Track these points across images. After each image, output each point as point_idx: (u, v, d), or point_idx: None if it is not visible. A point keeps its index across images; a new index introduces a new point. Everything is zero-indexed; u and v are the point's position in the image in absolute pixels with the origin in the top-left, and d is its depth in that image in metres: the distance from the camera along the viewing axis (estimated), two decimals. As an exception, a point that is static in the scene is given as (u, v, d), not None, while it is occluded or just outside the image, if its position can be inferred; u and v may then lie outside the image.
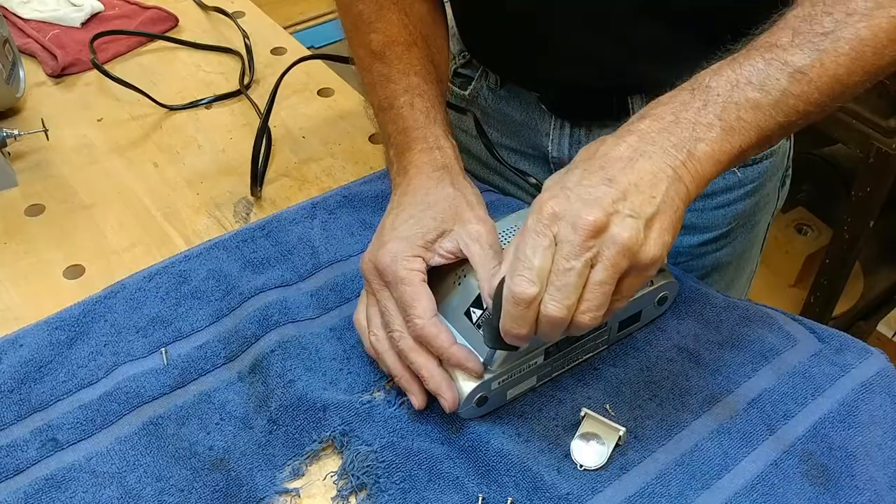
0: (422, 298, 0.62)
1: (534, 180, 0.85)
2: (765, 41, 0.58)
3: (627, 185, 0.53)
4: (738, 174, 0.85)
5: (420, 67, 0.74)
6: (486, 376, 0.62)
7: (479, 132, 0.85)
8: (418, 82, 0.73)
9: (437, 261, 0.65)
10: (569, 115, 0.83)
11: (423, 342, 0.62)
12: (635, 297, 0.67)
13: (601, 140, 0.57)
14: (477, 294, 0.63)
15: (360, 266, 0.67)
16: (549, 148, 0.86)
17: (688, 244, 0.88)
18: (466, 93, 0.90)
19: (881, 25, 0.57)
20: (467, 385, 0.61)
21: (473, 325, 0.63)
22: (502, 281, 0.55)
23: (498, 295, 0.56)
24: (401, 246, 0.64)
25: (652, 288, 0.68)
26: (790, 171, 0.95)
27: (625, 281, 0.54)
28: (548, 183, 0.57)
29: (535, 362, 0.64)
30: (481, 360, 0.62)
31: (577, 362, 0.68)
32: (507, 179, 0.93)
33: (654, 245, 0.53)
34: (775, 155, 0.87)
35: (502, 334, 0.56)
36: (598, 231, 0.52)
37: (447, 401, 0.61)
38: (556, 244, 0.53)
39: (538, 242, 0.53)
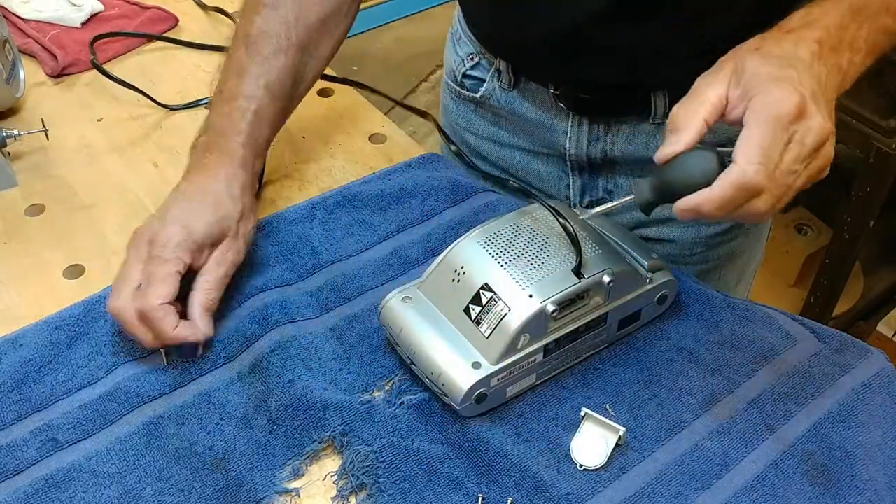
0: (167, 286, 0.67)
1: (514, 184, 0.87)
2: None
3: (830, 99, 0.57)
4: None
5: (275, 79, 0.76)
6: (485, 373, 0.62)
7: (443, 138, 0.85)
8: (263, 95, 0.76)
9: (201, 264, 0.70)
10: (589, 111, 0.83)
11: (146, 319, 0.66)
12: (633, 296, 0.67)
13: (796, 39, 0.59)
14: (476, 291, 0.63)
15: (134, 233, 0.71)
16: (567, 146, 0.86)
17: (704, 234, 0.89)
18: (478, 95, 0.90)
19: None
20: (466, 382, 0.61)
21: (472, 321, 0.63)
22: (686, 154, 0.56)
23: (689, 168, 0.57)
24: (182, 236, 0.69)
25: (652, 287, 0.68)
26: None
27: None
28: (762, 69, 0.56)
29: (535, 360, 0.64)
30: (478, 359, 0.62)
31: (576, 360, 0.68)
32: (519, 179, 0.93)
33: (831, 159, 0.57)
34: None
35: (692, 206, 0.55)
36: (826, 140, 0.55)
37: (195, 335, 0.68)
38: (791, 141, 0.54)
39: (781, 138, 0.54)
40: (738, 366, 0.68)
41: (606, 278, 0.64)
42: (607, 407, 0.66)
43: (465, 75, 0.92)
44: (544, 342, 0.64)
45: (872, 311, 1.84)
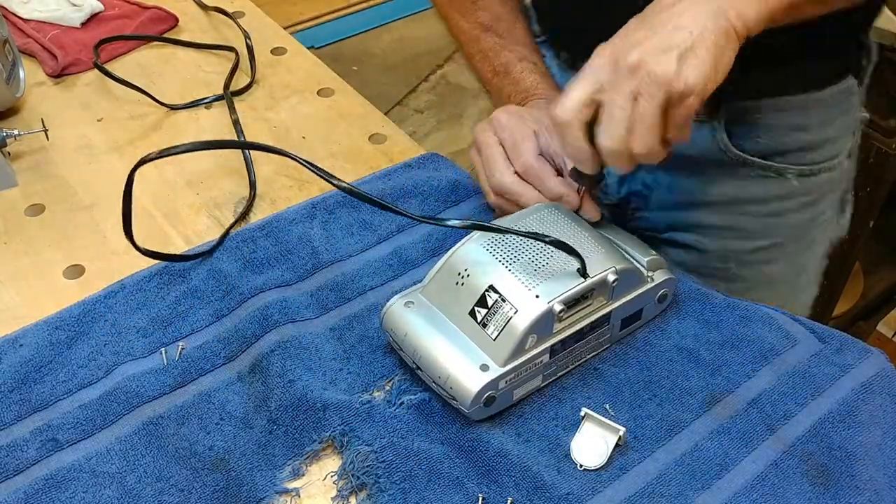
0: (532, 141, 0.72)
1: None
2: None
3: (667, 28, 0.60)
4: (795, 182, 0.84)
5: (527, 39, 0.87)
6: (494, 375, 0.62)
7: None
8: (528, 52, 0.86)
9: (543, 144, 0.73)
10: None
11: (529, 177, 0.72)
12: (635, 294, 0.67)
13: None
14: (481, 293, 0.63)
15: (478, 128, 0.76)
16: None
17: (738, 248, 0.88)
18: None
19: None
20: (475, 385, 0.61)
21: (479, 324, 0.63)
22: None
23: None
24: (519, 115, 0.74)
25: (653, 285, 0.68)
26: (850, 197, 0.93)
27: (670, 112, 0.61)
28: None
29: (541, 361, 0.64)
30: (480, 361, 0.62)
31: (581, 361, 0.68)
32: None
33: (689, 73, 0.59)
34: (833, 170, 0.86)
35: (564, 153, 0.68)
36: (635, 69, 0.59)
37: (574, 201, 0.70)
38: (603, 86, 0.61)
39: (583, 78, 0.62)
40: (738, 366, 0.68)
41: (611, 277, 0.64)
42: (607, 407, 0.66)
43: None
44: (551, 343, 0.64)
45: (872, 311, 1.84)
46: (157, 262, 0.77)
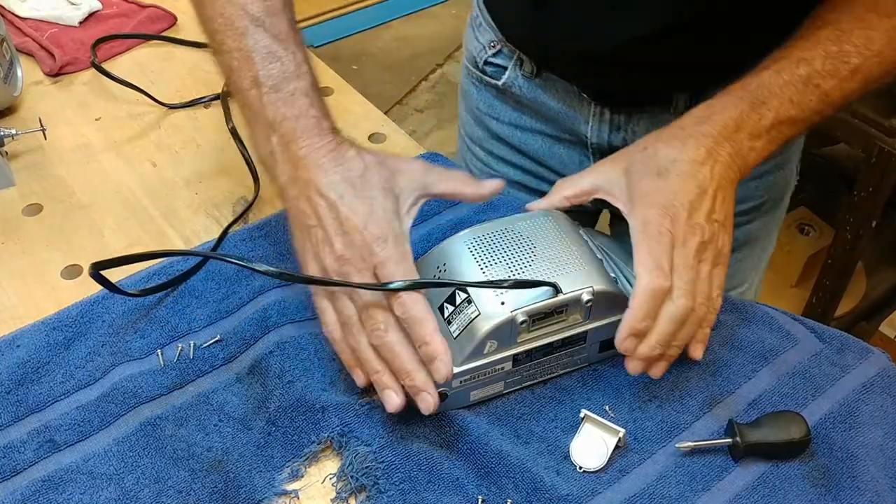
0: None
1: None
2: (800, 57, 0.67)
3: (722, 187, 0.64)
4: None
5: (304, 48, 0.68)
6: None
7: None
8: (308, 70, 0.67)
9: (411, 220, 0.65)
10: (611, 103, 0.83)
11: (409, 325, 0.59)
12: (616, 319, 0.64)
13: (685, 138, 0.65)
14: (451, 290, 0.62)
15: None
16: (589, 134, 0.86)
17: None
18: (500, 82, 0.90)
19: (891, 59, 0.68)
20: None
21: (444, 320, 0.62)
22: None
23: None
24: (382, 226, 0.61)
25: None
26: (799, 154, 0.96)
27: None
28: (642, 183, 0.64)
29: (503, 367, 0.63)
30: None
31: (552, 375, 0.67)
32: (540, 163, 0.94)
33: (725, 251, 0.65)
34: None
35: (626, 328, 0.61)
36: (711, 237, 0.63)
37: (431, 400, 0.60)
38: (673, 246, 0.62)
39: (664, 245, 0.61)
40: (738, 366, 0.68)
41: (585, 297, 0.62)
42: (607, 408, 0.65)
43: (486, 62, 0.91)
44: (513, 352, 0.63)
45: (875, 312, 1.84)
46: (156, 262, 0.77)
